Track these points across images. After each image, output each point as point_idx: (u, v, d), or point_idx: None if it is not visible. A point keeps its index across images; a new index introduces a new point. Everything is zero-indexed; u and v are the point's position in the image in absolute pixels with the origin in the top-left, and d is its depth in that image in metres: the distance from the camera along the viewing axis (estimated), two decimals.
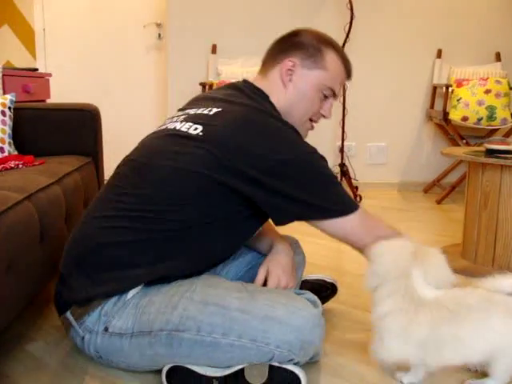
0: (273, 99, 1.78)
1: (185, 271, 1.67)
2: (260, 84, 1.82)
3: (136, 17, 5.02)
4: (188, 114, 1.75)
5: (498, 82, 4.46)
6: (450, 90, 4.51)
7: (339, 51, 1.83)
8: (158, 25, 5.02)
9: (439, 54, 4.83)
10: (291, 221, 1.67)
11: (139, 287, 1.64)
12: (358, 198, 4.40)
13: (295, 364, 1.57)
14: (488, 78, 4.49)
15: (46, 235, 1.94)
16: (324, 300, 2.22)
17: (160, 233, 1.61)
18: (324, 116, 1.87)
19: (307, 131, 1.89)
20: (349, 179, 4.48)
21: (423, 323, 1.51)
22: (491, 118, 4.33)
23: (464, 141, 4.38)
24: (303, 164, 1.61)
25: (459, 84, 4.53)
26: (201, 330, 1.53)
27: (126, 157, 1.78)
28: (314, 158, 1.65)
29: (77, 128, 2.82)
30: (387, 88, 4.86)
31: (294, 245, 2.11)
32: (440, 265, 1.59)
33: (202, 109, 1.73)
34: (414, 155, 4.98)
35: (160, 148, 1.68)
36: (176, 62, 4.62)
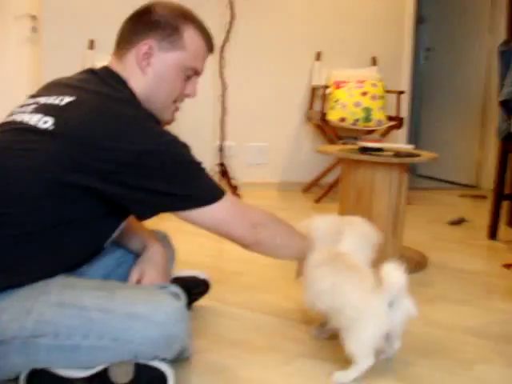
0: (132, 85, 1.67)
1: (41, 275, 1.54)
2: (117, 68, 1.68)
3: (6, 7, 4.80)
4: (38, 103, 1.59)
5: (374, 85, 4.60)
6: (328, 91, 4.60)
7: (198, 25, 1.72)
8: (33, 17, 4.82)
9: (318, 57, 4.91)
10: (155, 214, 1.60)
11: None
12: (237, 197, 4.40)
13: (162, 360, 1.51)
14: (365, 81, 4.62)
15: None
16: (197, 296, 2.19)
17: (10, 237, 1.47)
18: (189, 96, 1.77)
19: (173, 114, 1.78)
20: (228, 179, 4.47)
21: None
22: (367, 119, 4.45)
23: (341, 141, 4.46)
24: (163, 153, 1.52)
25: (337, 86, 4.63)
26: (59, 335, 1.44)
27: None
28: (175, 146, 1.56)
29: None
30: (267, 88, 4.88)
31: (163, 239, 2.04)
32: (364, 228, 1.94)
33: (53, 97, 1.58)
34: (294, 155, 5.04)
35: (5, 145, 1.54)
36: (52, 58, 4.42)
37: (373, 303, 1.65)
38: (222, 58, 4.43)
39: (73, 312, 1.46)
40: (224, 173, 4.50)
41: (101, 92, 1.58)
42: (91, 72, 1.69)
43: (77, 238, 1.57)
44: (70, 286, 1.52)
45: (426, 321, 2.16)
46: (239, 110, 4.76)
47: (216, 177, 4.62)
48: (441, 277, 2.73)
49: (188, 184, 1.57)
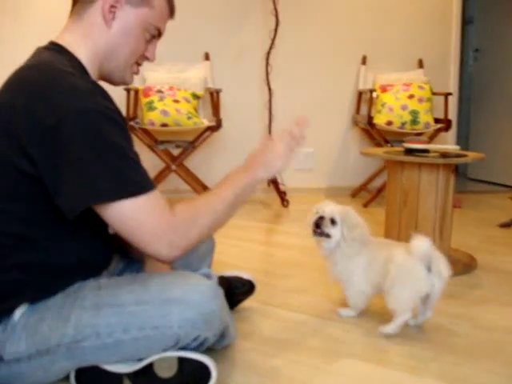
0: (92, 42, 1.57)
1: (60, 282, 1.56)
2: (70, 31, 1.58)
3: None
4: None
5: (420, 87, 4.56)
6: (374, 95, 4.59)
7: None
8: None
9: (364, 61, 4.90)
10: (75, 207, 1.39)
11: (24, 306, 1.52)
12: (285, 203, 4.41)
13: (205, 342, 1.55)
14: (411, 84, 4.59)
15: None
16: (241, 297, 2.21)
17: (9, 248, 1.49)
18: (148, 58, 1.68)
19: (133, 76, 1.69)
20: (276, 184, 4.49)
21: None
22: (415, 122, 4.42)
23: (389, 145, 4.44)
24: (81, 122, 1.36)
25: (383, 89, 4.61)
26: (100, 335, 1.47)
27: None
28: (101, 118, 1.40)
29: None
30: (313, 94, 4.89)
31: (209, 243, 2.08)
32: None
33: None
34: (341, 160, 5.03)
35: None
36: None
37: (414, 266, 1.96)
38: (267, 64, 4.45)
39: (110, 311, 1.49)
40: (272, 179, 4.51)
41: (22, 67, 1.52)
42: (35, 50, 1.60)
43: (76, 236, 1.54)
44: (102, 287, 1.56)
45: (475, 323, 2.14)
46: (285, 116, 4.77)
47: (264, 183, 4.64)
48: (490, 279, 2.69)
49: (110, 169, 1.39)
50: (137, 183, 1.41)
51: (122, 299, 1.51)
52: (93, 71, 1.60)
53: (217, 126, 4.17)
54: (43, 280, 1.53)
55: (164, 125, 4.03)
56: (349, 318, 2.15)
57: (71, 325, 1.48)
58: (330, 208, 2.08)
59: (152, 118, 4.02)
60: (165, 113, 4.00)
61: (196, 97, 4.32)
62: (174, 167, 4.14)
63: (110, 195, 1.38)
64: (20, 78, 1.49)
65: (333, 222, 2.05)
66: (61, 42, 1.58)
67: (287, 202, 4.43)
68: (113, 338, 1.47)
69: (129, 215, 1.41)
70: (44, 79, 1.44)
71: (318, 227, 2.06)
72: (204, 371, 1.52)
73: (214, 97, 4.35)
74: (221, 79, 4.62)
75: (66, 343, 1.48)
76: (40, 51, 1.58)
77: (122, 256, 1.89)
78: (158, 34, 1.67)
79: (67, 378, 1.59)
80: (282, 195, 4.44)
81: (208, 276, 1.61)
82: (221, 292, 1.58)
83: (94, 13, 1.57)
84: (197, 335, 1.52)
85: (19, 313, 1.52)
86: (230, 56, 4.72)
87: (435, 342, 1.96)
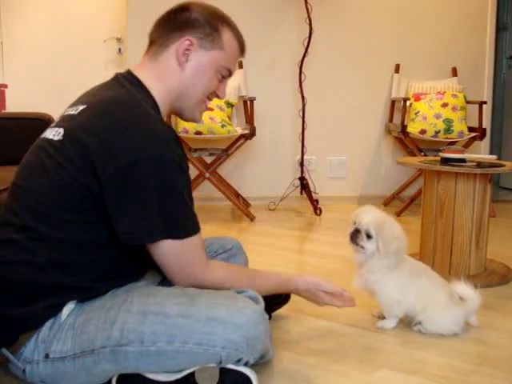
0: (166, 83, 1.69)
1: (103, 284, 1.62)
2: (146, 69, 1.71)
3: (96, 31, 4.99)
4: (62, 115, 1.68)
5: (454, 95, 4.53)
6: (408, 103, 4.57)
7: (234, 28, 1.76)
8: (119, 39, 5.00)
9: (397, 69, 4.89)
10: (130, 240, 1.56)
11: (72, 305, 1.58)
12: (318, 211, 4.40)
13: (246, 364, 1.55)
14: (445, 92, 4.57)
15: None
16: (277, 306, 2.21)
17: (62, 252, 1.55)
18: (218, 96, 1.80)
19: (202, 113, 1.81)
20: (309, 192, 4.48)
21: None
22: (448, 130, 4.39)
23: (422, 154, 4.42)
24: (156, 167, 1.50)
25: (417, 98, 4.60)
26: (144, 341, 1.49)
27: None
28: (171, 164, 1.53)
29: (30, 137, 2.77)
30: (346, 102, 4.89)
31: (235, 246, 2.12)
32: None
33: (73, 108, 1.64)
34: (374, 168, 5.02)
35: (31, 165, 1.62)
36: None
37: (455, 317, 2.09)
38: (301, 72, 4.45)
39: (156, 319, 1.50)
40: (305, 187, 4.51)
41: (109, 96, 1.61)
42: (114, 77, 1.72)
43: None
44: (151, 295, 1.58)
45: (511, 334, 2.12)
46: (319, 124, 4.78)
47: (297, 191, 4.65)
48: None
49: (170, 211, 1.55)
50: (185, 227, 1.58)
51: (168, 309, 1.52)
52: (164, 109, 1.72)
53: (250, 134, 4.19)
54: (87, 281, 1.59)
55: (198, 133, 4.06)
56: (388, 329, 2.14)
57: (117, 328, 1.50)
58: (366, 221, 2.06)
59: (186, 126, 4.04)
60: None
61: (230, 105, 4.35)
62: (207, 175, 4.16)
63: (160, 236, 1.54)
64: (106, 108, 1.57)
65: (368, 235, 2.05)
66: (139, 77, 1.69)
67: (320, 210, 4.42)
68: (156, 346, 1.49)
69: (169, 254, 1.58)
70: (129, 119, 1.54)
71: (354, 239, 2.06)
72: (245, 382, 1.52)
73: (248, 105, 4.37)
74: (254, 87, 4.64)
75: (110, 345, 1.50)
76: (121, 82, 1.67)
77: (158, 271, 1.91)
78: (229, 73, 1.78)
79: (109, 382, 1.61)
80: (314, 203, 4.44)
81: (255, 299, 1.61)
82: (266, 317, 1.59)
83: (169, 55, 1.69)
84: (239, 358, 1.52)
85: (66, 311, 1.56)
86: (264, 64, 4.73)
87: (474, 355, 1.94)
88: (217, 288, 1.65)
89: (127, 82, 1.67)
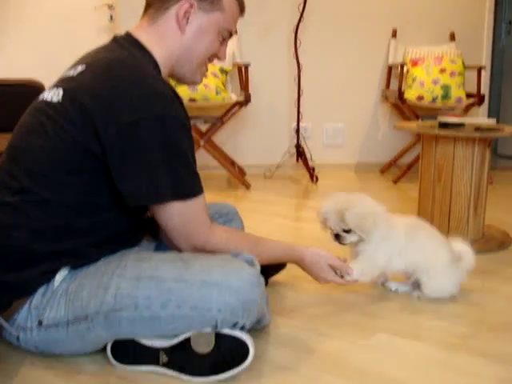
0: (166, 46, 1.67)
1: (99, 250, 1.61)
2: (146, 32, 1.68)
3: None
4: (61, 77, 1.65)
5: (452, 61, 4.48)
6: (405, 69, 4.51)
7: None
8: (110, 6, 4.90)
9: (394, 34, 4.82)
10: (137, 201, 1.55)
11: (65, 272, 1.56)
12: (314, 179, 4.37)
13: (242, 328, 1.52)
14: (443, 58, 4.51)
15: None
16: (273, 272, 2.19)
17: (58, 215, 1.54)
18: (219, 58, 1.79)
19: (203, 76, 1.80)
20: (305, 160, 4.45)
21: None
22: (446, 96, 4.34)
23: (420, 120, 4.37)
24: (159, 127, 1.49)
25: (414, 63, 4.53)
26: (138, 306, 1.47)
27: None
28: (174, 124, 1.52)
29: (20, 104, 2.71)
30: (343, 68, 4.83)
31: (231, 211, 2.11)
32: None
33: (72, 69, 1.62)
34: (371, 135, 4.97)
35: (29, 126, 1.60)
36: None
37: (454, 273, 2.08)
38: (296, 38, 4.39)
39: (150, 284, 1.48)
40: (301, 154, 4.47)
41: (110, 57, 1.59)
42: (113, 39, 1.70)
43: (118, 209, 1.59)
44: (144, 260, 1.56)
45: (510, 299, 2.10)
46: (314, 91, 4.73)
47: (293, 159, 4.61)
48: None
49: (175, 171, 1.54)
50: (191, 188, 1.58)
51: (162, 274, 1.50)
52: (164, 72, 1.70)
53: (245, 101, 4.14)
54: (82, 246, 1.57)
55: (192, 100, 4.01)
56: (386, 294, 2.12)
57: (110, 293, 1.48)
58: (333, 222, 2.01)
59: (180, 92, 3.98)
60: (193, 88, 3.96)
61: (224, 71, 4.28)
62: (202, 143, 4.11)
63: (167, 197, 1.53)
64: (106, 68, 1.56)
65: (345, 231, 2.01)
66: (139, 39, 1.67)
67: (316, 178, 4.39)
68: (150, 311, 1.47)
69: (173, 216, 1.57)
70: (130, 79, 1.52)
71: (340, 242, 2.04)
72: (242, 348, 1.50)
73: (243, 71, 4.31)
74: (249, 53, 4.58)
75: (104, 311, 1.48)
76: (121, 44, 1.66)
77: (153, 237, 1.90)
78: (230, 35, 1.76)
79: (104, 349, 1.59)
80: (310, 171, 4.40)
81: (251, 263, 1.58)
82: (262, 281, 1.57)
83: (168, 18, 1.67)
84: (235, 322, 1.50)
85: (60, 278, 1.55)
86: (258, 30, 4.66)
87: (472, 319, 1.92)
88: (219, 251, 1.64)
89: (127, 43, 1.66)
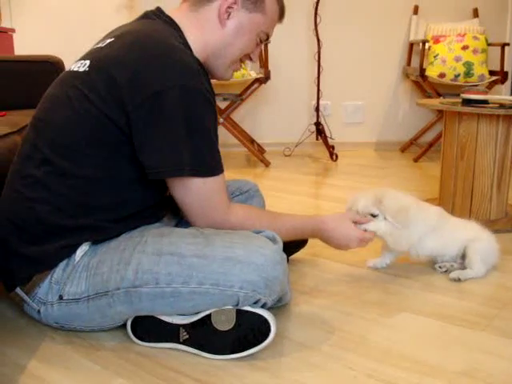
0: (204, 36, 1.66)
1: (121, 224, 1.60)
2: (184, 16, 1.67)
3: None
4: (89, 50, 1.65)
5: (475, 38, 4.40)
6: (426, 46, 4.44)
7: None
8: None
9: (416, 11, 4.74)
10: (158, 173, 1.53)
11: (86, 247, 1.56)
12: (334, 157, 4.33)
13: (263, 306, 1.51)
14: (465, 34, 4.43)
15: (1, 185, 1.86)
16: (294, 249, 2.18)
17: (80, 190, 1.53)
18: (251, 59, 1.78)
19: (233, 73, 1.79)
20: (325, 138, 4.41)
21: None
22: (468, 74, 4.28)
23: (441, 97, 4.31)
24: (184, 97, 1.47)
25: (436, 40, 4.47)
26: (159, 282, 1.46)
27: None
28: (199, 97, 1.50)
29: (39, 80, 2.71)
30: (363, 45, 4.77)
31: (253, 188, 2.09)
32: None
33: (101, 42, 1.63)
34: (391, 114, 4.92)
35: (54, 97, 1.60)
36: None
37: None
38: (316, 14, 4.33)
39: (171, 259, 1.47)
40: (320, 132, 4.44)
41: (138, 29, 1.59)
42: (144, 14, 1.70)
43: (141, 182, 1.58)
44: (165, 235, 1.54)
45: None
46: (335, 68, 4.68)
47: (312, 137, 4.58)
48: None
49: (195, 145, 1.51)
50: (211, 166, 1.56)
51: (183, 250, 1.48)
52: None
53: (265, 78, 4.11)
54: (103, 222, 1.57)
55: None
56: (408, 272, 2.09)
57: (131, 269, 1.47)
58: (362, 204, 1.98)
59: None
60: None
61: None
62: (221, 120, 4.09)
63: (186, 172, 1.51)
64: (134, 40, 1.55)
65: (372, 215, 1.97)
66: (173, 17, 1.66)
67: (336, 156, 4.35)
68: (171, 287, 1.45)
69: (191, 193, 1.56)
70: (158, 50, 1.51)
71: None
72: (263, 325, 1.48)
73: (262, 48, 4.26)
74: None
75: (124, 287, 1.48)
76: (151, 17, 1.66)
77: (174, 214, 1.88)
78: (267, 38, 1.75)
79: (124, 326, 1.59)
80: (330, 149, 4.37)
81: (273, 239, 1.56)
82: (285, 258, 1.55)
83: (211, 9, 1.66)
84: (257, 299, 1.48)
85: (80, 253, 1.55)
86: None
87: (498, 299, 1.89)
88: (236, 229, 1.62)
89: (157, 17, 1.65)
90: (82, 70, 1.55)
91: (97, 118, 1.49)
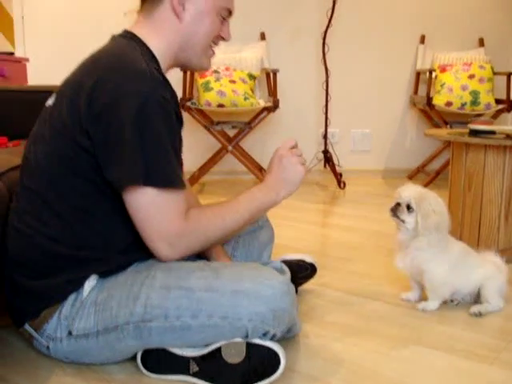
0: (165, 36, 1.63)
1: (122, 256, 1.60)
2: (142, 26, 1.64)
3: (117, 4, 4.92)
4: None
5: (481, 67, 4.44)
6: (433, 75, 4.48)
7: None
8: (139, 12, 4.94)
9: (422, 40, 4.79)
10: (120, 185, 1.48)
11: (94, 281, 1.56)
12: (342, 185, 4.35)
13: (273, 337, 1.52)
14: (472, 63, 4.47)
15: None
16: (303, 280, 2.18)
17: (72, 219, 1.54)
18: (224, 38, 1.73)
19: (210, 59, 1.74)
20: (332, 166, 4.43)
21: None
22: (475, 103, 4.31)
23: (448, 126, 4.34)
24: (136, 104, 1.43)
25: (443, 69, 4.51)
26: (168, 317, 1.47)
27: None
28: (151, 102, 1.45)
29: None
30: (371, 74, 4.81)
31: (262, 219, 2.06)
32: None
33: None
34: (399, 141, 4.95)
35: (34, 135, 1.62)
36: None
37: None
38: (324, 44, 4.38)
39: (180, 293, 1.47)
40: (328, 160, 4.46)
41: (99, 51, 1.60)
42: (111, 37, 1.68)
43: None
44: (173, 269, 1.54)
45: None
46: (342, 96, 4.71)
47: (320, 164, 4.60)
48: None
49: (148, 154, 1.45)
50: (166, 176, 1.48)
51: (192, 283, 1.49)
52: (165, 63, 1.67)
53: (274, 107, 4.14)
54: (105, 252, 1.57)
55: (220, 105, 4.02)
56: (418, 304, 2.09)
57: (140, 303, 1.48)
58: (407, 193, 2.00)
59: (208, 98, 4.00)
60: (221, 93, 3.98)
61: (252, 77, 4.29)
62: (230, 148, 4.12)
63: (138, 181, 1.45)
64: (93, 60, 1.57)
65: (409, 208, 1.99)
66: (134, 32, 1.64)
67: (344, 183, 4.37)
68: (181, 321, 1.46)
69: (145, 205, 1.48)
70: (112, 64, 1.51)
71: (395, 212, 2.02)
72: (273, 358, 1.49)
73: (271, 77, 4.31)
74: (277, 59, 4.59)
75: (134, 322, 1.48)
76: (115, 38, 1.65)
77: None
78: (229, 13, 1.71)
79: (134, 358, 1.60)
80: (338, 177, 4.39)
81: (281, 271, 1.57)
82: (293, 289, 1.55)
83: (164, 10, 1.63)
84: (266, 331, 1.49)
85: (88, 288, 1.55)
86: (287, 36, 4.67)
87: (505, 331, 1.90)
88: (194, 241, 1.56)
89: (122, 38, 1.63)
90: (50, 103, 1.59)
91: (68, 146, 1.49)
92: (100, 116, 1.44)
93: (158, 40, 1.63)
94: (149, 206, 1.48)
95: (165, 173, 1.48)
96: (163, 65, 1.65)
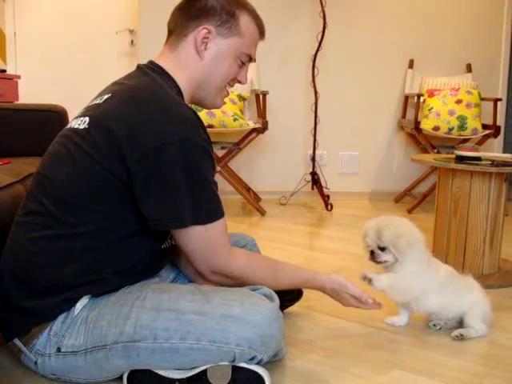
0: (187, 72, 1.70)
1: (122, 279, 1.61)
2: (168, 59, 1.71)
3: (109, 23, 4.97)
4: (87, 106, 1.68)
5: (469, 92, 4.50)
6: (421, 99, 4.53)
7: (252, 12, 1.75)
8: (131, 31, 4.97)
9: (411, 65, 4.85)
10: (160, 225, 1.56)
11: (85, 300, 1.57)
12: (329, 207, 4.38)
13: (259, 362, 1.53)
14: (459, 89, 4.53)
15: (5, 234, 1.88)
16: (289, 303, 2.20)
17: (83, 244, 1.55)
18: (240, 82, 1.80)
19: (224, 98, 1.82)
20: (320, 188, 4.46)
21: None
22: (462, 127, 4.36)
23: (435, 150, 4.39)
24: (182, 151, 1.49)
25: (431, 94, 4.56)
26: (157, 338, 1.48)
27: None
28: (197, 148, 1.52)
29: (43, 129, 2.76)
30: (359, 97, 4.86)
31: (250, 243, 2.11)
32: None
33: (98, 98, 1.66)
34: (386, 164, 4.99)
35: (56, 154, 1.62)
36: None
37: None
38: (314, 67, 4.43)
39: (170, 316, 1.49)
40: (316, 182, 4.49)
41: (134, 84, 1.62)
42: (137, 67, 1.73)
43: (144, 237, 1.61)
44: (164, 291, 1.56)
45: None
46: (331, 119, 4.76)
47: (308, 186, 4.63)
48: None
49: (194, 195, 1.53)
50: (211, 213, 1.58)
51: (182, 306, 1.50)
52: (186, 98, 1.72)
53: (263, 128, 4.17)
54: (105, 275, 1.58)
55: (210, 126, 4.04)
56: (402, 329, 2.12)
57: (130, 323, 1.49)
58: (372, 236, 2.03)
59: None
60: (211, 114, 4.00)
61: (242, 98, 4.33)
62: (218, 168, 4.13)
63: (188, 222, 1.54)
64: (131, 95, 1.58)
65: (380, 248, 2.02)
66: (161, 65, 1.70)
67: (331, 205, 4.40)
68: (169, 343, 1.47)
69: (195, 239, 1.58)
70: (154, 104, 1.54)
71: (375, 260, 2.05)
72: (258, 381, 1.51)
73: (260, 99, 4.34)
74: (267, 81, 4.62)
75: (123, 341, 1.49)
76: (145, 71, 1.69)
77: (172, 266, 1.92)
78: (250, 59, 1.77)
79: (120, 378, 1.60)
80: (325, 199, 4.42)
81: (270, 297, 1.59)
82: (281, 315, 1.58)
83: (187, 45, 1.70)
84: (253, 356, 1.50)
85: (80, 306, 1.56)
86: (277, 58, 4.71)
87: (488, 357, 1.92)
88: (237, 276, 1.66)
89: (150, 70, 1.68)
90: (82, 127, 1.58)
91: (99, 173, 1.51)
92: (145, 156, 1.48)
93: (182, 75, 1.70)
94: (197, 242, 1.58)
95: (210, 210, 1.58)
96: (185, 100, 1.71)
